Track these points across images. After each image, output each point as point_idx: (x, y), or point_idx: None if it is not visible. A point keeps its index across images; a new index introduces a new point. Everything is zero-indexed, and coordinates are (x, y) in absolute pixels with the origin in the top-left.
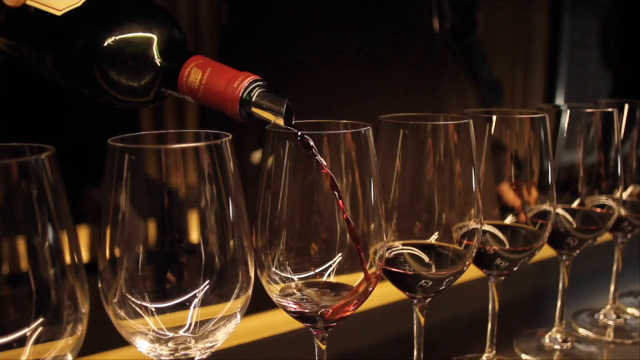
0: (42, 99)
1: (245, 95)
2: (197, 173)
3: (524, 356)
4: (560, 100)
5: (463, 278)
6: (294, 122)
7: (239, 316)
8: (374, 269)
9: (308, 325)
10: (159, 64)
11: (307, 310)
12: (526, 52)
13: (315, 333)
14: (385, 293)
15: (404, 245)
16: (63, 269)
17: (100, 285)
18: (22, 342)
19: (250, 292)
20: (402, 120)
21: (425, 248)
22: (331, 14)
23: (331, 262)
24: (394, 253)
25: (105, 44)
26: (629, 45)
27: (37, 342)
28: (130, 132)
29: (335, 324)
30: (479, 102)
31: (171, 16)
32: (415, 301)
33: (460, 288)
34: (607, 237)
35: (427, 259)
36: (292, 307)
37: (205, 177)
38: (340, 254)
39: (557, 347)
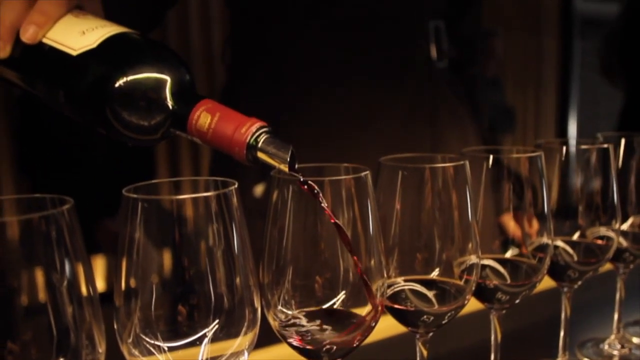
0: (63, 135)
1: (252, 140)
2: (207, 220)
3: None
4: (572, 123)
5: (466, 310)
6: (296, 167)
7: (246, 353)
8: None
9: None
10: (169, 106)
11: (310, 347)
12: (537, 75)
13: None
14: (390, 325)
15: (405, 280)
16: (81, 311)
17: (115, 326)
18: None
19: (256, 329)
20: (401, 163)
21: (426, 283)
22: (331, 50)
23: (335, 300)
24: (396, 289)
25: (118, 85)
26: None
27: None
28: (146, 170)
29: (340, 359)
30: (479, 133)
31: (182, 60)
32: (418, 335)
33: (464, 319)
34: (610, 266)
35: (428, 294)
36: (297, 343)
37: (214, 224)
38: (344, 292)
39: None
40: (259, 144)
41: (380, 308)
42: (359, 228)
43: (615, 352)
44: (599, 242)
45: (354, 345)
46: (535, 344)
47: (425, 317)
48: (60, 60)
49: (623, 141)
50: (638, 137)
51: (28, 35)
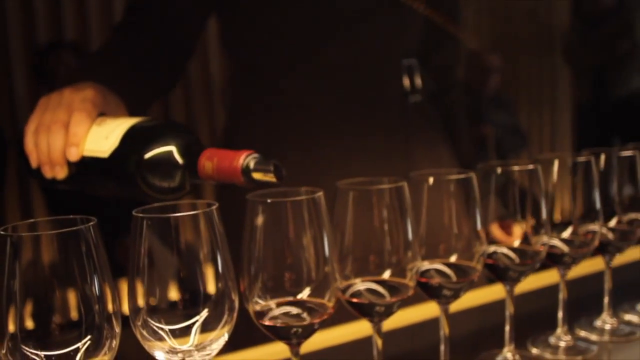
0: None
1: (244, 167)
2: (196, 231)
3: None
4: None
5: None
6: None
7: (226, 335)
8: (333, 300)
9: (284, 341)
10: (182, 166)
11: (281, 326)
12: (551, 94)
13: (290, 348)
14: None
15: (362, 281)
16: (104, 303)
17: (129, 314)
18: (76, 351)
19: (234, 317)
20: (353, 185)
21: (378, 282)
22: (316, 90)
23: (300, 294)
24: (354, 288)
25: (142, 165)
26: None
27: (87, 351)
28: None
29: (304, 339)
30: (453, 158)
31: (182, 126)
32: (373, 323)
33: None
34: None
35: (379, 290)
36: (270, 324)
37: (202, 234)
38: (307, 287)
39: None
40: (250, 167)
41: (336, 300)
42: (317, 239)
43: (562, 344)
44: (541, 248)
45: (315, 327)
46: (489, 339)
47: (377, 307)
48: (98, 164)
49: (556, 162)
50: (575, 157)
51: (72, 156)
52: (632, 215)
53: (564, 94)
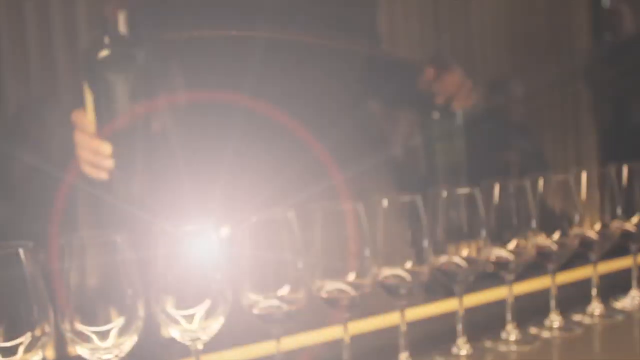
0: None
1: None
2: (201, 243)
3: (438, 358)
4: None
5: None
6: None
7: (222, 318)
8: (305, 295)
9: (268, 325)
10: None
11: (266, 313)
12: (575, 120)
13: (273, 332)
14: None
15: (331, 281)
16: (134, 296)
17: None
18: (112, 329)
19: (228, 307)
20: (319, 207)
21: (345, 283)
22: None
23: (281, 291)
24: (326, 288)
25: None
26: None
27: (120, 330)
28: None
29: (284, 323)
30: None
31: None
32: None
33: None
34: None
35: (345, 288)
36: (258, 312)
37: (207, 245)
38: (287, 286)
39: (462, 352)
40: None
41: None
42: (292, 249)
43: (512, 338)
44: (493, 259)
45: (291, 315)
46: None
47: (344, 301)
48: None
49: (497, 186)
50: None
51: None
52: (576, 230)
53: (587, 119)
